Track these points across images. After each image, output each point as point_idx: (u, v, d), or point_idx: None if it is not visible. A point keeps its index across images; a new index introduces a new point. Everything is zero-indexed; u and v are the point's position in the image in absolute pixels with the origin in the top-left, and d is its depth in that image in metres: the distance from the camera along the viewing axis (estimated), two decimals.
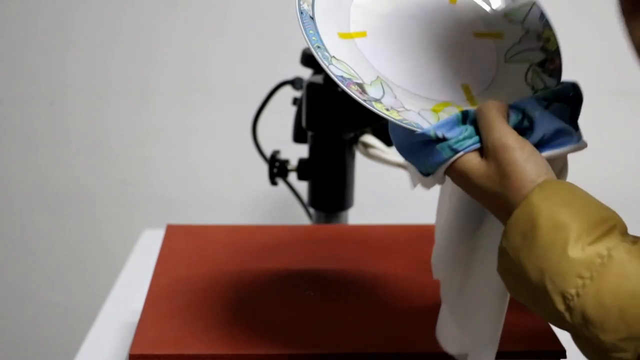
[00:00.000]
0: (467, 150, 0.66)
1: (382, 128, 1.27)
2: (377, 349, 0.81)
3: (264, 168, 1.33)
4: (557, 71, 0.74)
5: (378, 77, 0.71)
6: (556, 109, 0.69)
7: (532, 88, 0.74)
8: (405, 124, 0.67)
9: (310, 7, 0.71)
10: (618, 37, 1.69)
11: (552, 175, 0.64)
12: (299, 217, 1.50)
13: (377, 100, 0.69)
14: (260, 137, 1.37)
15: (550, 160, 0.66)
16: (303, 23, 0.70)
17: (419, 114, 0.69)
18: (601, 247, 0.58)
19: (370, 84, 0.70)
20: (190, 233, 1.06)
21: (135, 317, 0.87)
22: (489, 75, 0.75)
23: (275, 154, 1.30)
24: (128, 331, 1.08)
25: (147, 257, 1.11)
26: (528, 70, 0.75)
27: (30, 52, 1.69)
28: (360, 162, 1.30)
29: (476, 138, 0.66)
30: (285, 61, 1.42)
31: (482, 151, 0.66)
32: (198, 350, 0.80)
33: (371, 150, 1.25)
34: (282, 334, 0.83)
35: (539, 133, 0.66)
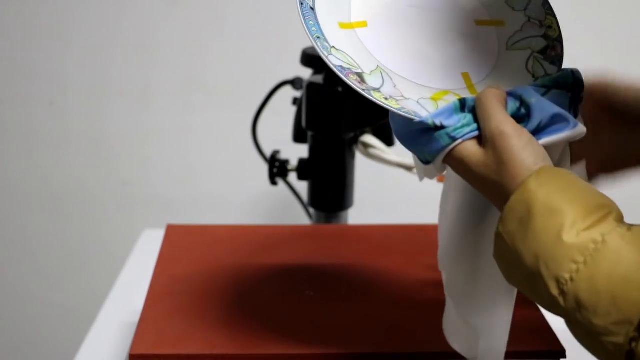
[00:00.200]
0: (465, 138, 0.66)
1: (382, 128, 1.27)
2: (377, 349, 0.81)
3: (264, 168, 1.33)
4: (559, 58, 0.74)
5: (378, 66, 0.71)
6: (555, 96, 0.69)
7: (533, 76, 0.74)
8: (404, 112, 0.67)
9: None
10: (618, 37, 1.69)
11: (549, 162, 0.64)
12: (299, 217, 1.50)
13: (376, 90, 0.69)
14: (260, 137, 1.37)
15: (548, 148, 0.66)
16: (303, 14, 0.70)
17: (417, 102, 0.69)
18: (596, 233, 0.59)
19: (370, 74, 0.70)
20: (190, 233, 1.06)
21: (135, 317, 0.87)
22: (490, 63, 0.75)
23: (275, 154, 1.30)
24: (128, 331, 1.08)
25: (147, 257, 1.11)
26: (529, 57, 0.75)
27: (30, 52, 1.69)
28: (360, 162, 1.30)
29: (474, 126, 0.66)
30: (285, 61, 1.42)
31: (480, 139, 0.66)
32: (198, 350, 0.80)
33: (371, 150, 1.25)
34: (282, 334, 0.83)
35: (535, 120, 0.67)
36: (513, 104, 0.68)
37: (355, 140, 1.26)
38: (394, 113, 0.68)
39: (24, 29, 1.68)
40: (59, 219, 1.77)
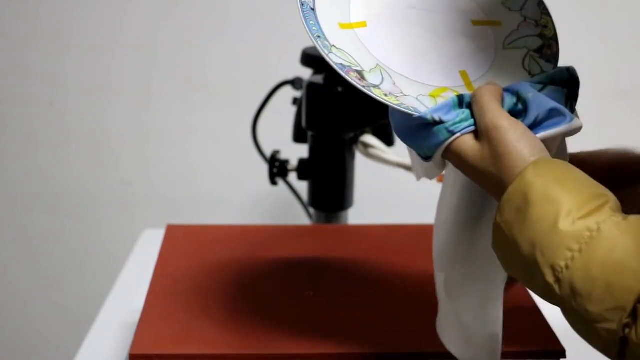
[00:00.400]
0: (463, 132, 0.67)
1: (382, 128, 1.27)
2: (377, 349, 0.81)
3: (264, 168, 1.33)
4: (555, 57, 0.76)
5: (377, 64, 0.72)
6: (551, 92, 0.70)
7: (530, 73, 0.75)
8: (404, 108, 0.68)
9: None
10: (618, 37, 1.69)
11: (546, 154, 0.65)
12: (299, 217, 1.50)
13: (376, 87, 0.70)
14: (260, 137, 1.37)
15: (545, 142, 0.67)
16: (304, 14, 0.71)
17: (417, 99, 0.70)
18: (591, 222, 0.59)
19: (370, 71, 0.71)
20: (190, 233, 1.06)
21: (135, 317, 0.87)
22: (488, 61, 0.76)
23: (275, 154, 1.30)
24: (128, 331, 1.08)
25: (147, 257, 1.11)
26: (525, 56, 0.76)
27: (30, 52, 1.69)
28: (360, 162, 1.30)
29: (471, 121, 0.68)
30: (285, 61, 1.42)
31: (477, 134, 0.67)
32: (198, 350, 0.80)
33: (371, 150, 1.25)
34: (282, 333, 0.83)
35: (532, 115, 0.68)
36: (510, 100, 0.69)
37: (355, 140, 1.26)
38: (393, 110, 0.69)
39: (24, 29, 1.68)
40: (59, 219, 1.77)
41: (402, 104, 0.69)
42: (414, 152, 0.73)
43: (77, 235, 1.78)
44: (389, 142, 1.27)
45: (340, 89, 1.19)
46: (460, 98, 0.69)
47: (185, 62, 1.68)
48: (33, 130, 1.73)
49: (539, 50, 0.76)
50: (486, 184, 0.66)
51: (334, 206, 1.28)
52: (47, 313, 1.82)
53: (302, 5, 0.72)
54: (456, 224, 0.74)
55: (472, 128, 0.67)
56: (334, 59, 0.69)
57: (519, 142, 0.65)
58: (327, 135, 1.24)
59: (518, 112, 0.68)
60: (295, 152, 1.30)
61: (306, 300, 0.90)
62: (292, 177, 1.30)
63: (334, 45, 0.71)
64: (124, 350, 1.05)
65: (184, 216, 1.72)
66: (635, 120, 1.68)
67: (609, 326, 0.58)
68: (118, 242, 1.70)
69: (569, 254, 0.59)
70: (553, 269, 0.60)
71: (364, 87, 0.69)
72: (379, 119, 1.23)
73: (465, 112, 0.68)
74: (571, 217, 0.60)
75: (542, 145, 0.66)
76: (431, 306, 0.87)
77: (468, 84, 0.74)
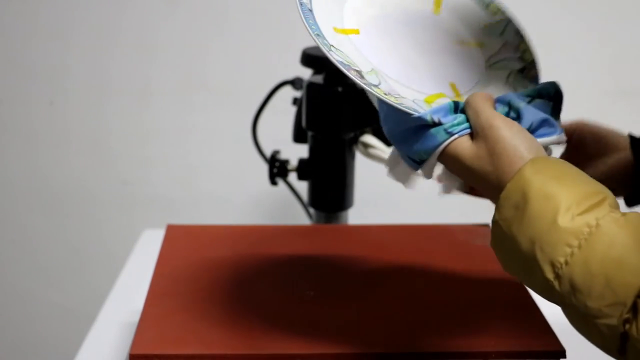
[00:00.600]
0: (461, 133, 0.68)
1: (382, 128, 1.27)
2: (377, 349, 0.81)
3: (264, 168, 1.33)
4: (535, 79, 0.78)
5: (372, 69, 0.73)
6: (538, 104, 0.72)
7: (514, 90, 0.77)
8: (404, 107, 0.69)
9: (308, 0, 0.73)
10: (618, 37, 1.70)
11: (542, 152, 0.66)
12: (299, 217, 1.50)
13: (376, 86, 0.71)
14: (260, 137, 1.37)
15: None
16: (303, 13, 0.72)
17: (413, 102, 0.71)
18: (590, 218, 0.60)
19: (368, 73, 0.72)
20: (190, 233, 1.06)
21: (135, 317, 0.87)
22: (474, 78, 0.78)
23: (275, 154, 1.30)
24: (128, 331, 1.08)
25: (147, 257, 1.11)
26: (509, 75, 0.79)
27: (30, 52, 1.69)
28: (360, 162, 1.30)
29: (467, 124, 0.69)
30: (285, 61, 1.42)
31: (472, 136, 0.68)
32: (198, 350, 0.80)
33: (371, 150, 1.25)
34: (282, 334, 0.83)
35: (527, 122, 0.69)
36: (502, 109, 0.71)
37: (355, 140, 1.26)
38: (386, 115, 0.70)
39: (24, 29, 1.68)
40: (59, 219, 1.77)
41: (402, 104, 0.69)
42: (396, 157, 0.75)
43: (77, 235, 1.78)
44: (389, 142, 1.27)
45: (340, 89, 1.19)
46: (455, 104, 0.70)
47: (185, 62, 1.68)
48: (33, 130, 1.73)
49: (521, 71, 0.78)
50: (483, 183, 0.67)
51: (334, 206, 1.28)
52: (47, 313, 1.82)
53: (301, 4, 0.73)
54: None
55: (468, 131, 0.68)
56: (335, 57, 0.70)
57: (516, 139, 0.65)
58: (327, 135, 1.24)
59: (512, 119, 0.69)
60: (295, 152, 1.30)
61: (306, 300, 0.90)
62: (292, 177, 1.30)
63: (332, 45, 0.71)
64: (124, 350, 1.05)
65: (184, 216, 1.72)
66: (635, 120, 1.68)
67: (609, 322, 0.58)
68: (118, 242, 1.70)
69: (568, 250, 0.59)
70: (552, 265, 0.60)
71: (365, 84, 0.69)
72: (379, 119, 1.23)
73: (461, 116, 0.69)
74: (570, 213, 0.60)
75: (538, 143, 0.66)
76: (431, 306, 0.87)
77: (457, 96, 0.75)
